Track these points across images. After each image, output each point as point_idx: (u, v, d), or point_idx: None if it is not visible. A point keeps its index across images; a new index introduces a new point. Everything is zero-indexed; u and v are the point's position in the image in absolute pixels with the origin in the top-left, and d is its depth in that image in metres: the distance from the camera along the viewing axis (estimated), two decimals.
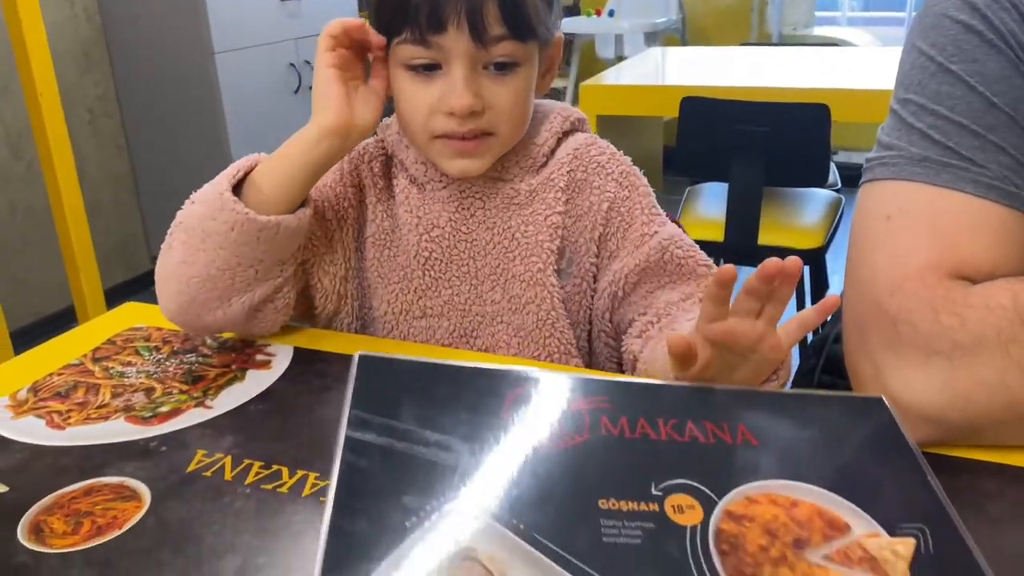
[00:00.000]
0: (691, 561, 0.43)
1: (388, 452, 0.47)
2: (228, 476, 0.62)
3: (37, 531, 0.56)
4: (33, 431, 0.69)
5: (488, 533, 0.43)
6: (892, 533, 0.46)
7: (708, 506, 0.47)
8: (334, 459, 0.46)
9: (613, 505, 0.46)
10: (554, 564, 0.42)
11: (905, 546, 0.45)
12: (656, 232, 0.81)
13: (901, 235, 0.65)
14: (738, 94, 2.02)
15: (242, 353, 0.81)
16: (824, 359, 0.89)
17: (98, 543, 0.55)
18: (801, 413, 0.54)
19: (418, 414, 0.49)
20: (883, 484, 0.50)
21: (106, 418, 0.71)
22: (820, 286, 2.09)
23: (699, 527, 0.45)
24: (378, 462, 0.46)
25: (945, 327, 0.60)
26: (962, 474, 0.61)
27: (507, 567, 0.41)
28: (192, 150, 2.87)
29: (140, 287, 2.93)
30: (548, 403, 0.52)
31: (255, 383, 0.76)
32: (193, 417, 0.70)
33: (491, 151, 0.78)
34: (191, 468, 0.63)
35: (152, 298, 0.79)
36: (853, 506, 0.47)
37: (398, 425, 0.48)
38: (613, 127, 2.29)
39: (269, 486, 0.61)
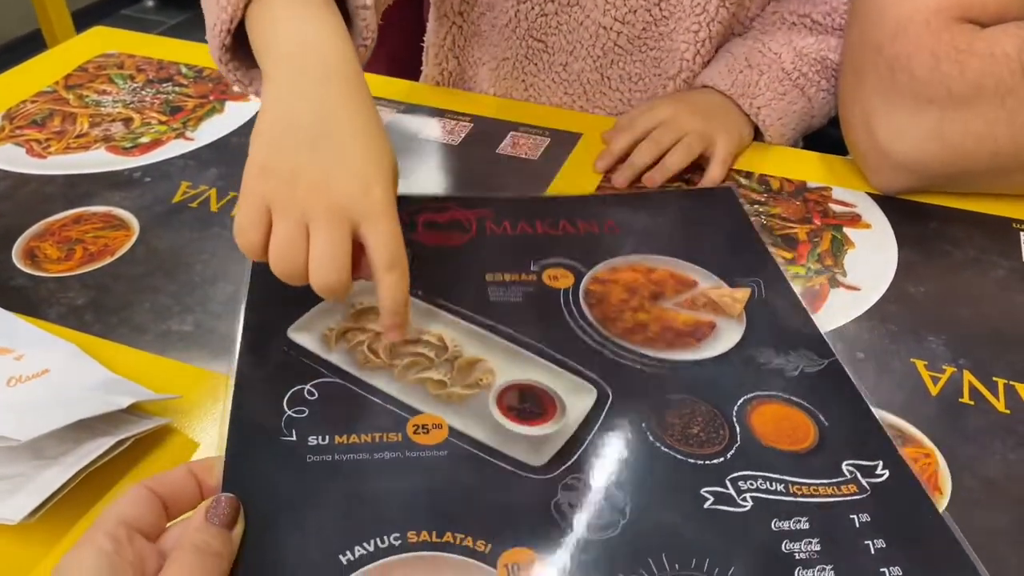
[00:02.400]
0: (564, 310, 0.51)
1: None
2: (214, 207, 0.63)
3: (31, 256, 0.58)
4: (14, 159, 0.68)
5: None
6: (732, 286, 0.54)
7: (579, 276, 0.54)
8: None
9: (498, 277, 0.53)
10: (449, 314, 0.50)
11: (743, 293, 0.54)
12: None
13: None
14: None
15: (220, 83, 0.79)
16: None
17: (92, 269, 0.57)
18: (660, 207, 0.62)
19: None
20: (726, 252, 0.58)
21: (86, 148, 0.70)
22: None
23: (571, 289, 0.53)
24: None
25: (943, 75, 0.58)
26: (931, 221, 0.62)
27: (410, 317, 0.47)
28: None
29: (110, 10, 2.77)
30: (436, 215, 0.59)
31: (235, 115, 0.74)
32: (174, 148, 0.70)
33: None
34: (177, 199, 0.64)
35: (124, 22, 0.75)
36: (700, 268, 0.56)
37: None
38: None
39: None
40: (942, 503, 0.42)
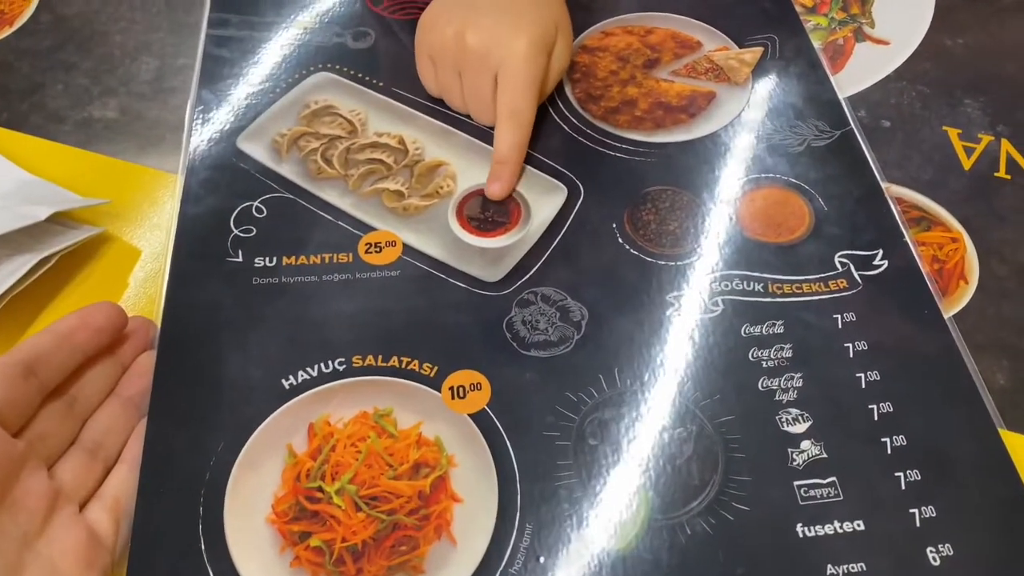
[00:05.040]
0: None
1: (249, 40, 0.47)
2: None
3: None
4: None
5: (347, 91, 0.45)
6: (741, 46, 0.47)
7: None
8: (196, 57, 0.46)
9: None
10: (409, 108, 0.44)
11: (752, 54, 0.47)
12: None
13: None
14: None
15: None
16: None
17: None
18: None
19: (277, 9, 0.49)
20: (742, 3, 0.50)
21: None
22: None
23: None
24: (239, 52, 0.46)
25: None
26: None
27: (367, 116, 0.44)
28: None
29: None
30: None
31: None
32: None
33: None
34: None
35: None
36: (706, 26, 0.48)
37: (258, 19, 0.48)
38: None
39: None
40: (967, 293, 0.39)
